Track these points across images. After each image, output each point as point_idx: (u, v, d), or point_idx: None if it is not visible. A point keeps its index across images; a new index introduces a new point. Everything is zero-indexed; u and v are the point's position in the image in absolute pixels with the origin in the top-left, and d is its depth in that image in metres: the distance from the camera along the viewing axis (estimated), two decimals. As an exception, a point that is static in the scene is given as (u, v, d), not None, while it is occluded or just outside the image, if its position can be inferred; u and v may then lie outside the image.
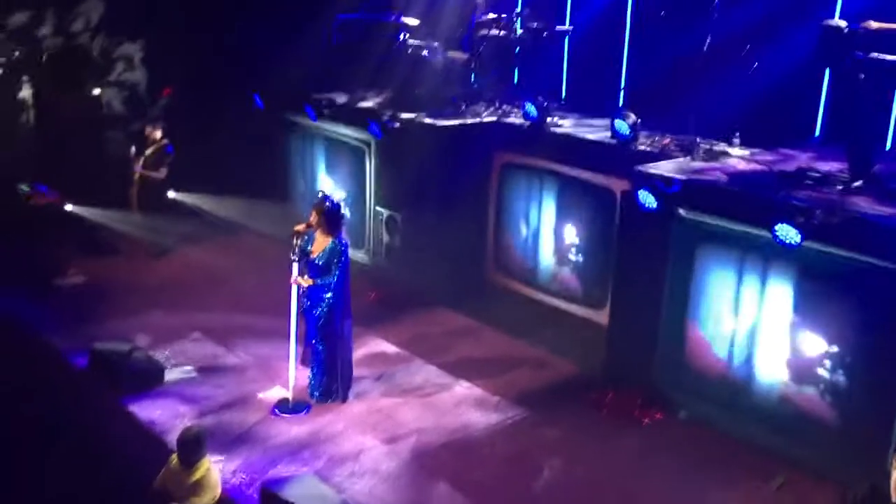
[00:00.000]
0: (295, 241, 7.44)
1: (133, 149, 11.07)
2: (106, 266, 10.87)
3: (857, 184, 6.82)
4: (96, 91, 12.37)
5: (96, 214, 11.26)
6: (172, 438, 6.25)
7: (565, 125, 9.43)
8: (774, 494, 6.59)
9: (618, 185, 8.31)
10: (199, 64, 11.95)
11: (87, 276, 10.52)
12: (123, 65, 12.72)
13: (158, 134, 11.04)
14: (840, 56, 6.77)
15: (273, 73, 10.94)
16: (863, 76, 6.60)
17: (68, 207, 11.06)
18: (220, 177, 11.35)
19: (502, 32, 10.31)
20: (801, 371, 6.85)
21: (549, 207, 9.47)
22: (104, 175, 11.67)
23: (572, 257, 9.33)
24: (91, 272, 10.61)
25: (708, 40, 7.78)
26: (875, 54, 6.61)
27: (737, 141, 8.25)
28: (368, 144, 10.55)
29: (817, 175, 7.11)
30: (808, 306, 6.75)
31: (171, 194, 11.18)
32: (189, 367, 8.33)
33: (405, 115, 9.97)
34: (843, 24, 6.85)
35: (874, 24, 6.65)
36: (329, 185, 11.22)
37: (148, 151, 11.00)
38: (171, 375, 8.10)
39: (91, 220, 11.25)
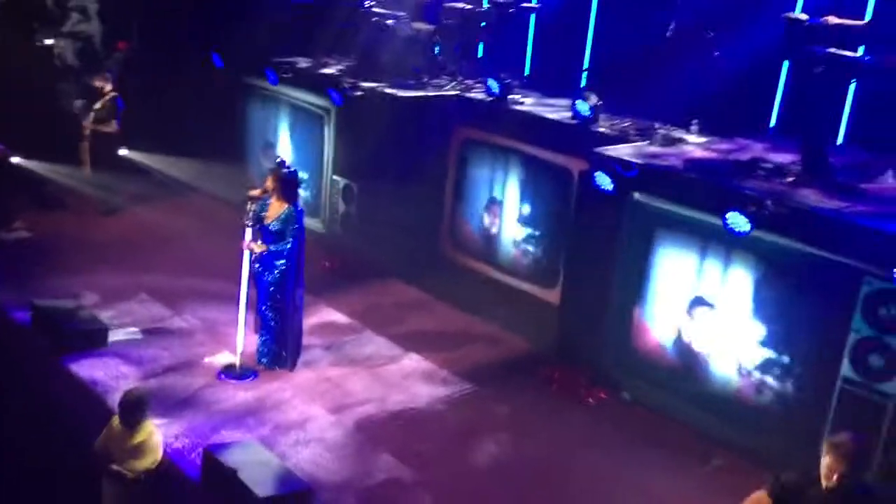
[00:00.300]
0: (249, 205, 7.34)
1: (82, 101, 10.78)
2: (53, 221, 10.62)
3: (808, 176, 6.95)
4: (49, 41, 12.00)
5: (44, 168, 10.98)
6: (115, 399, 6.16)
7: (527, 103, 9.42)
8: (710, 475, 6.75)
9: (576, 166, 8.35)
10: (157, 19, 11.67)
11: (32, 231, 10.27)
12: (78, 16, 12.35)
13: (108, 87, 10.77)
14: (799, 49, 6.87)
15: (234, 32, 10.73)
16: (820, 70, 6.71)
17: (15, 160, 10.75)
18: (174, 136, 11.14)
19: (468, 6, 10.24)
20: (743, 358, 7.01)
21: (506, 185, 9.48)
22: (54, 128, 11.37)
23: (528, 236, 9.37)
24: (37, 227, 10.36)
25: (671, 26, 7.82)
26: (833, 49, 6.72)
27: (694, 128, 8.34)
28: (328, 111, 10.44)
29: (770, 166, 7.23)
30: (754, 294, 6.88)
31: (122, 151, 10.94)
32: (134, 329, 8.20)
33: (366, 84, 9.87)
34: (804, 17, 6.94)
35: (833, 20, 6.75)
36: (286, 150, 11.09)
37: (97, 105, 10.73)
38: (115, 336, 7.96)
39: (39, 173, 10.97)
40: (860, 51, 7.09)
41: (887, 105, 6.97)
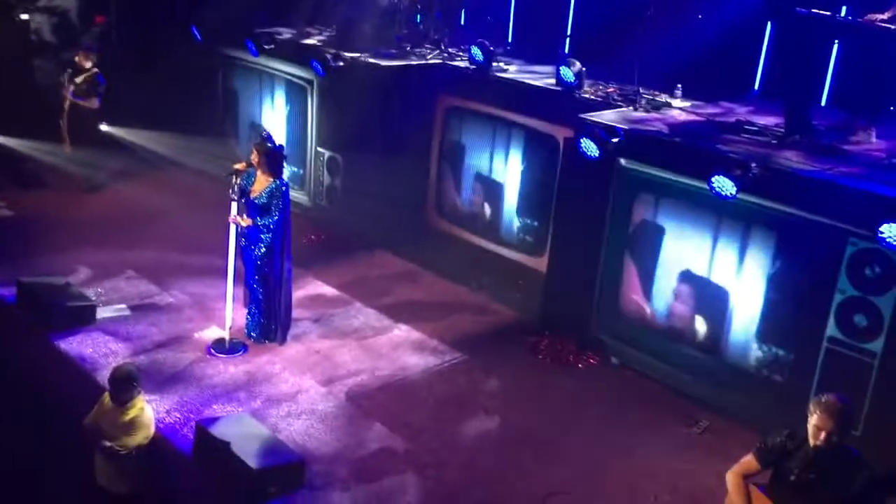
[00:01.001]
0: (234, 179, 7.29)
1: (64, 76, 10.63)
2: (35, 199, 10.53)
3: (792, 138, 6.96)
4: (24, 16, 11.79)
5: (24, 146, 10.85)
6: (104, 376, 6.14)
7: (511, 70, 9.37)
8: (698, 437, 6.84)
9: (561, 133, 8.33)
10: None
11: (14, 210, 10.17)
12: (55, -11, 12.15)
13: (89, 63, 10.62)
14: (781, 10, 6.85)
15: (213, 4, 10.58)
16: (802, 30, 6.70)
17: (-6, 138, 10.64)
18: (155, 111, 11.01)
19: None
20: (729, 321, 7.06)
21: (493, 153, 9.45)
22: (32, 105, 11.22)
23: (514, 204, 9.37)
24: (19, 205, 10.27)
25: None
26: (817, 10, 6.70)
27: (679, 93, 8.33)
28: (311, 83, 10.35)
29: (755, 128, 7.24)
30: (740, 257, 6.92)
31: (103, 127, 10.82)
32: (122, 306, 8.17)
33: (349, 54, 9.78)
34: (786, -22, 6.90)
35: None
36: (269, 123, 11.00)
37: (78, 80, 10.59)
38: (103, 313, 7.93)
39: (19, 151, 10.84)
40: (843, 11, 7.07)
41: (869, 65, 6.96)
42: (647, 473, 6.38)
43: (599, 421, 6.98)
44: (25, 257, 8.87)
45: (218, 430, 6.01)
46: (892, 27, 6.59)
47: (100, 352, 7.37)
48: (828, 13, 6.74)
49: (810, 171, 6.44)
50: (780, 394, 6.72)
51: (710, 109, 8.05)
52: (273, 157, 7.32)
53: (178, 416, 6.62)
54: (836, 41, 7.52)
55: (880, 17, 6.52)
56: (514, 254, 9.37)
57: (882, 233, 5.77)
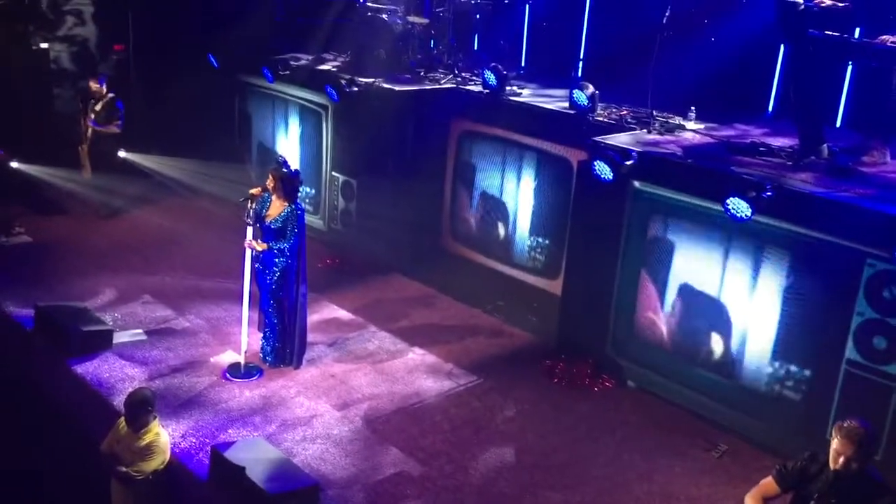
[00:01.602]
0: (249, 204, 7.35)
1: (83, 104, 10.77)
2: (53, 226, 10.65)
3: (807, 160, 6.94)
4: (44, 45, 11.99)
5: (43, 172, 10.98)
6: (120, 401, 6.18)
7: (524, 94, 9.41)
8: (716, 462, 6.76)
9: (575, 156, 8.35)
10: (152, 21, 11.65)
11: (33, 236, 10.28)
12: (73, 19, 12.35)
13: (105, 89, 10.76)
14: (795, 32, 6.86)
15: (229, 32, 10.72)
16: (815, 53, 6.70)
17: (14, 164, 10.76)
18: (173, 137, 11.14)
19: (463, -2, 10.25)
20: (747, 343, 7.01)
21: (506, 177, 9.47)
22: (52, 132, 11.37)
23: (528, 227, 9.37)
24: (38, 232, 10.38)
25: (667, 13, 7.80)
26: (829, 32, 6.70)
27: (692, 115, 8.33)
28: (325, 108, 10.43)
29: (769, 150, 7.22)
30: (756, 280, 6.88)
31: (121, 154, 10.95)
32: (139, 330, 8.21)
33: (363, 80, 9.86)
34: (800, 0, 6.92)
35: (826, 1, 6.73)
36: (285, 148, 11.09)
37: (98, 107, 10.73)
38: (120, 338, 7.98)
39: (38, 178, 10.97)
40: (856, 32, 7.07)
41: (882, 86, 6.94)
42: (665, 498, 6.31)
43: (616, 445, 6.92)
44: (43, 282, 8.96)
45: (233, 455, 6.01)
46: None
47: (116, 376, 7.40)
48: (841, 35, 6.74)
49: (826, 192, 6.41)
50: (798, 417, 6.65)
51: (724, 131, 8.05)
52: (289, 182, 7.37)
53: (194, 440, 6.62)
54: (850, 63, 7.50)
55: (892, 39, 6.52)
56: (529, 276, 9.36)
57: (899, 254, 5.73)
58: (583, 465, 6.66)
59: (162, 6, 11.58)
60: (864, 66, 7.37)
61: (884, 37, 6.59)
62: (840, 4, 6.76)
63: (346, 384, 7.61)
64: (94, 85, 10.77)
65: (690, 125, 8.21)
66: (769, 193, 6.37)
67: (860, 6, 6.81)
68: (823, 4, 6.72)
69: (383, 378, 7.75)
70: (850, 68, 7.77)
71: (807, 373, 6.66)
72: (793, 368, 6.75)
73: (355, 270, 9.85)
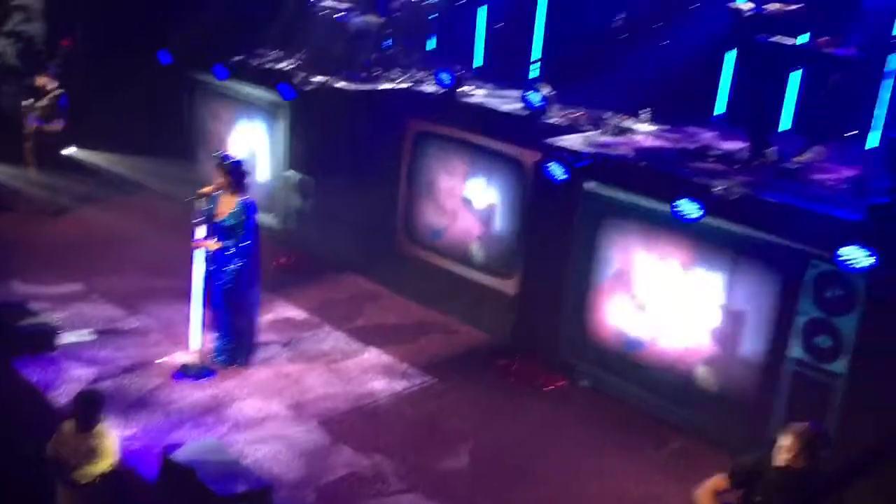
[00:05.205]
0: (200, 202, 7.25)
1: (27, 101, 10.54)
2: (-1, 223, 10.39)
3: (755, 163, 7.09)
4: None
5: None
6: (67, 403, 6.05)
7: (479, 95, 9.45)
8: (668, 460, 6.87)
9: (529, 157, 8.40)
10: (102, 16, 11.42)
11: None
12: (20, 15, 12.05)
13: (51, 84, 10.53)
14: (743, 38, 7.01)
15: (181, 28, 10.57)
16: (763, 58, 6.85)
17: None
18: (122, 134, 10.93)
19: (418, -2, 10.25)
20: (695, 342, 7.13)
21: (461, 177, 9.50)
22: (-3, 128, 11.08)
23: (482, 228, 9.41)
24: (-18, 230, 10.12)
25: (621, 16, 7.90)
26: (778, 38, 6.86)
27: (645, 117, 8.44)
28: (279, 106, 10.34)
29: (718, 153, 7.36)
30: (704, 280, 7.00)
31: (68, 151, 10.71)
32: (87, 330, 8.05)
33: (317, 78, 9.80)
34: (748, 6, 7.07)
35: (773, 7, 6.90)
36: (237, 146, 10.96)
37: (42, 103, 10.50)
38: (67, 338, 7.81)
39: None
40: (805, 38, 7.25)
41: (825, 91, 7.14)
42: (618, 497, 6.39)
43: (570, 444, 6.98)
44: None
45: (183, 457, 5.93)
46: (843, 54, 6.77)
47: (62, 377, 7.25)
48: (788, 40, 6.91)
49: (772, 194, 6.55)
50: (746, 415, 6.78)
51: (675, 134, 8.18)
52: (235, 173, 7.27)
53: (144, 442, 6.52)
54: (797, 68, 7.68)
55: (827, 42, 6.71)
56: (483, 276, 9.39)
57: (841, 255, 5.88)
58: (537, 465, 6.71)
59: (112, 1, 11.36)
60: (808, 70, 7.55)
61: (821, 40, 6.77)
62: (788, 8, 6.93)
63: (299, 384, 7.56)
64: (41, 80, 10.54)
65: (643, 127, 8.32)
66: (718, 195, 6.50)
67: (806, 13, 6.99)
68: (772, 10, 6.88)
69: (337, 378, 7.71)
70: (796, 73, 7.95)
71: (754, 371, 6.80)
72: (740, 367, 6.88)
73: (310, 270, 9.78)
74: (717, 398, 7.01)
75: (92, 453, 5.53)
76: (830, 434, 6.05)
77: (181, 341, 7.86)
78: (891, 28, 7.60)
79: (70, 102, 10.62)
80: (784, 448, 4.51)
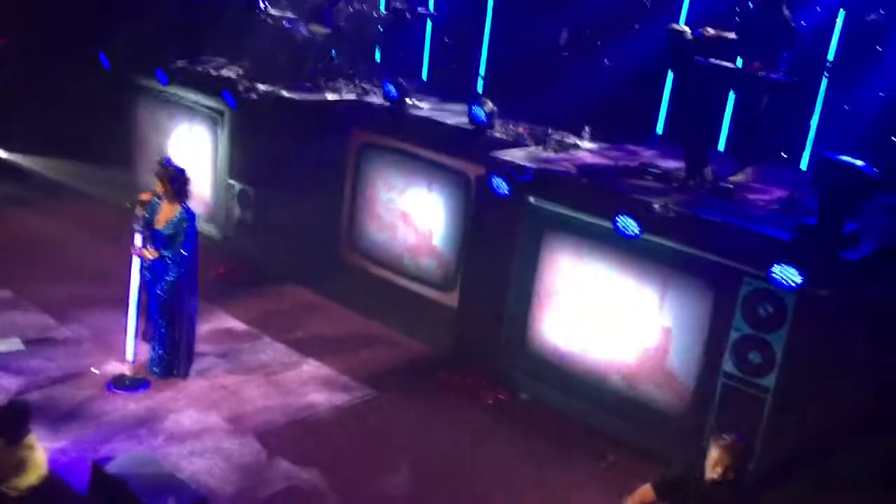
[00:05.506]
0: (139, 209, 7.12)
1: None
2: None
3: (692, 182, 7.28)
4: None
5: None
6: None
7: (424, 108, 9.49)
8: (605, 472, 6.96)
9: (473, 170, 8.47)
10: (39, 16, 11.15)
11: None
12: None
13: None
14: (682, 59, 7.20)
15: (122, 31, 10.38)
16: (700, 80, 7.05)
17: None
18: (58, 138, 10.68)
19: (365, 8, 10.25)
20: (632, 356, 7.26)
21: (404, 189, 9.51)
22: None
23: (425, 240, 9.43)
24: None
25: (564, 34, 8.05)
26: (714, 60, 7.07)
27: (587, 134, 8.59)
28: (221, 114, 10.23)
29: (657, 171, 7.54)
30: (640, 295, 7.14)
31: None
32: (16, 339, 7.81)
33: (262, 87, 9.73)
34: (686, 29, 7.28)
35: (710, 31, 7.13)
36: (177, 153, 10.79)
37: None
38: (-6, 347, 7.59)
39: None
40: (738, 62, 7.49)
41: (756, 112, 7.39)
42: (554, 508, 6.45)
43: (511, 456, 7.03)
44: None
45: (115, 469, 5.78)
46: (775, 77, 7.02)
47: (-10, 388, 7.03)
48: (724, 63, 7.12)
49: (708, 213, 6.73)
50: (679, 428, 6.92)
51: (616, 152, 8.34)
52: (176, 180, 7.16)
53: (74, 454, 6.35)
54: (732, 90, 7.93)
55: (759, 65, 6.95)
56: (426, 289, 9.41)
57: (773, 273, 6.07)
58: (478, 477, 6.74)
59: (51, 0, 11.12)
60: (742, 92, 7.79)
61: (755, 64, 7.00)
62: (725, 35, 7.15)
63: (237, 396, 7.46)
64: None
65: (584, 144, 8.46)
66: (656, 213, 6.65)
67: (742, 37, 7.23)
68: (709, 35, 7.09)
69: (276, 390, 7.63)
70: (731, 95, 8.20)
71: (688, 384, 6.95)
72: (675, 380, 7.03)
73: (250, 280, 9.67)
74: (653, 411, 7.14)
75: (20, 466, 5.39)
76: (755, 446, 6.28)
77: (115, 351, 7.69)
78: (822, 53, 7.91)
79: (1, 104, 10.32)
80: (714, 461, 4.61)
